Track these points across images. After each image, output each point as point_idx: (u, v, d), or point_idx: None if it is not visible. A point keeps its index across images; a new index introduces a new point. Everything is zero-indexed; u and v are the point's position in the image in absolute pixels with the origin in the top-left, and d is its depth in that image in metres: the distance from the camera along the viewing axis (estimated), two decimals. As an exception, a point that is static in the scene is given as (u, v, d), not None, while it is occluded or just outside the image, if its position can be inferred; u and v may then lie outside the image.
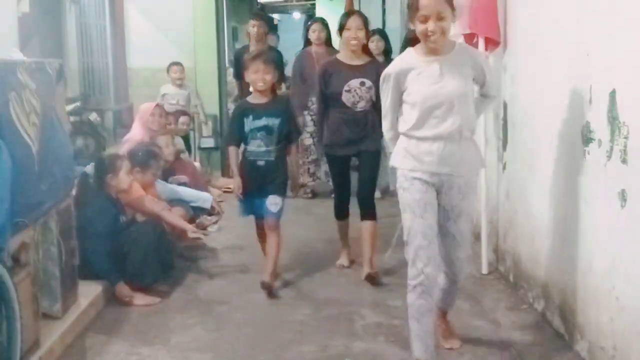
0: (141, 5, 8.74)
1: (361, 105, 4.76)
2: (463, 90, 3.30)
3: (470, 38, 4.78)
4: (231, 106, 8.42)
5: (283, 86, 7.95)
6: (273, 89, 4.68)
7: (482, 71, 3.41)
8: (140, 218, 4.77)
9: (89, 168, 4.85)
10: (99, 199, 4.57)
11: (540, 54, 4.02)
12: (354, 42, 4.79)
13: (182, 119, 7.57)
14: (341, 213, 5.05)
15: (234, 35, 10.04)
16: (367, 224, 4.80)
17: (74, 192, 4.28)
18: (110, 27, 8.68)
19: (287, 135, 4.63)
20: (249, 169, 4.57)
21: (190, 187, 6.15)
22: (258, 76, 4.49)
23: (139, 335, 3.91)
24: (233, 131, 4.67)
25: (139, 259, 4.41)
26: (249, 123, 4.51)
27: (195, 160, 8.04)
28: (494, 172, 4.87)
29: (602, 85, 3.12)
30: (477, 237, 5.17)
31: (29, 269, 3.38)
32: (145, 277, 4.43)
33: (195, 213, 5.95)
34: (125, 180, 4.68)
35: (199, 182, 6.61)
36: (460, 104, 3.27)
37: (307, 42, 7.29)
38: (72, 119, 6.21)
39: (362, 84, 4.74)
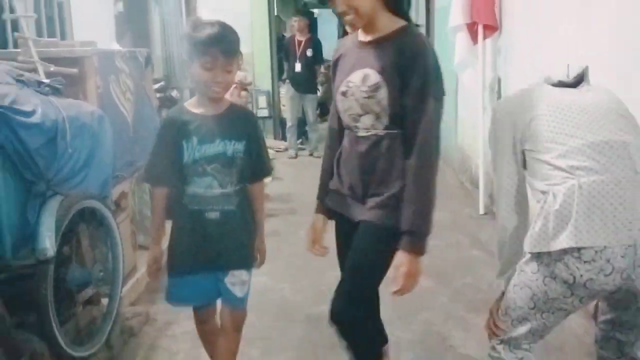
0: (209, 4, 8.74)
1: (365, 125, 1.87)
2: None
3: (471, 26, 4.67)
4: (282, 85, 8.38)
5: (322, 67, 7.86)
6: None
7: None
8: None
9: None
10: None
11: (532, 37, 3.89)
12: None
13: (243, 93, 7.65)
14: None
15: (277, 25, 9.88)
16: None
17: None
18: (186, 22, 8.70)
19: (252, 169, 2.15)
20: (191, 226, 2.13)
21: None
22: (211, 75, 2.00)
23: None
24: (160, 160, 2.11)
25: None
26: (192, 149, 2.05)
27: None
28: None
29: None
30: (475, 184, 5.13)
31: (128, 212, 3.45)
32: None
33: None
34: None
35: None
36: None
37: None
38: (158, 95, 6.24)
39: (365, 79, 1.83)
